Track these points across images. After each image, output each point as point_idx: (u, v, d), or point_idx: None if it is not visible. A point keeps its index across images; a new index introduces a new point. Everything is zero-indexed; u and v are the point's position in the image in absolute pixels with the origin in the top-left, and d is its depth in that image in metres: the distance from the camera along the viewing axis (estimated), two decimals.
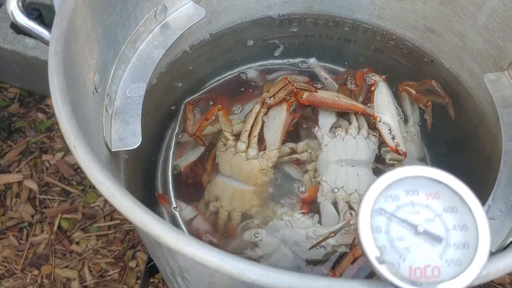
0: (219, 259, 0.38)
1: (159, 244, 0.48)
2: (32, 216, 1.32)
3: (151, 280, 1.21)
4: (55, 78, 0.46)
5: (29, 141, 1.43)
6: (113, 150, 0.61)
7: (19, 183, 1.37)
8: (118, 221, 1.33)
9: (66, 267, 1.26)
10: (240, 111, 0.82)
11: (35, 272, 1.25)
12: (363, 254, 0.62)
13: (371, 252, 0.36)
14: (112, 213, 1.33)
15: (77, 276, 1.25)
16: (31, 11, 1.33)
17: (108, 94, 0.63)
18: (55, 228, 1.30)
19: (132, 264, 1.27)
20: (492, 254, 0.39)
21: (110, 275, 1.26)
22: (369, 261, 0.36)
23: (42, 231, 1.30)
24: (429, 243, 0.38)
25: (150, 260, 1.01)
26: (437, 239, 0.38)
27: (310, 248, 0.66)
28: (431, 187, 0.39)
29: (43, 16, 1.34)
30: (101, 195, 1.35)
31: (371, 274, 0.51)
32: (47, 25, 0.56)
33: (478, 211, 0.38)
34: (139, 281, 1.24)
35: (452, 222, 0.39)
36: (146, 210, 0.41)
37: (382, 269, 0.36)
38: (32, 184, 1.36)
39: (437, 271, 0.37)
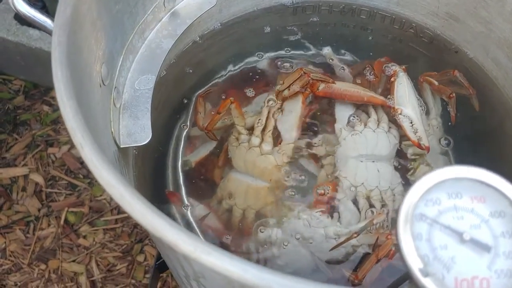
0: (241, 269, 0.34)
1: (172, 249, 0.45)
2: (39, 210, 1.30)
3: (161, 274, 1.19)
4: (59, 71, 0.43)
5: (35, 134, 1.41)
6: (121, 146, 0.58)
7: (25, 176, 1.35)
8: (125, 215, 1.31)
9: (74, 261, 1.24)
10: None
11: (42, 266, 1.23)
12: (386, 255, 0.59)
13: (414, 263, 0.32)
14: (120, 206, 1.31)
15: (85, 270, 1.23)
16: (34, 1, 1.30)
17: (115, 87, 0.60)
18: (61, 222, 1.28)
19: (140, 258, 1.25)
20: None
21: (118, 269, 1.24)
22: (412, 273, 0.33)
23: (49, 225, 1.29)
24: (476, 252, 0.34)
25: (159, 256, 0.98)
26: (484, 247, 0.34)
27: (331, 249, 0.62)
28: (476, 189, 0.36)
29: (47, 7, 1.31)
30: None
31: (400, 279, 0.47)
32: (51, 15, 0.53)
33: None
34: (147, 275, 1.22)
35: (500, 228, 0.35)
36: (159, 214, 0.38)
37: (427, 283, 0.32)
38: (38, 178, 1.34)
39: (486, 283, 0.33)
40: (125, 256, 1.25)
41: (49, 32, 0.51)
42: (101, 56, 0.56)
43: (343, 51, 0.86)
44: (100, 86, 0.55)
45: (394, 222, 0.66)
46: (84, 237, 1.27)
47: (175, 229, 0.36)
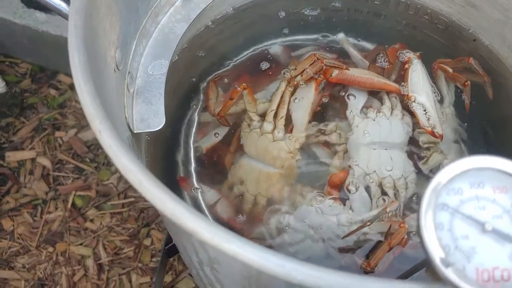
0: (262, 257, 0.34)
1: (189, 235, 0.45)
2: (46, 193, 1.31)
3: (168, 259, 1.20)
4: (76, 57, 0.42)
5: (42, 118, 1.40)
6: (135, 131, 0.58)
7: (33, 160, 1.35)
8: (132, 199, 1.31)
9: (81, 244, 1.25)
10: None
11: (50, 249, 1.24)
12: (399, 244, 0.59)
13: (436, 253, 0.32)
14: (126, 190, 1.32)
15: (92, 253, 1.24)
16: None
17: (129, 72, 0.59)
18: (69, 205, 1.29)
19: (147, 242, 1.26)
20: None
21: (125, 253, 1.25)
22: (433, 263, 0.33)
23: (56, 208, 1.29)
24: (498, 243, 0.34)
25: (168, 241, 0.99)
26: (506, 238, 0.34)
27: (344, 237, 0.62)
28: (498, 179, 0.35)
29: None
30: (115, 173, 1.33)
31: (411, 270, 0.47)
32: None
33: None
34: (153, 259, 1.23)
35: None
36: (179, 201, 0.38)
37: (448, 273, 0.32)
38: (45, 161, 1.34)
39: (507, 274, 0.33)
40: (132, 240, 1.26)
41: (63, 15, 0.51)
42: (116, 41, 0.55)
43: (356, 37, 0.85)
44: (115, 71, 0.55)
45: (407, 210, 0.66)
46: (91, 220, 1.28)
47: (195, 216, 0.36)
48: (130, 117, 0.58)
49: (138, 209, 1.30)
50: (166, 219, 0.52)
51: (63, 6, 0.52)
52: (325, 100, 0.75)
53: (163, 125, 0.58)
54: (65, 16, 0.48)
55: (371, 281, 0.33)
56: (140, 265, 1.23)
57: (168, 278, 1.21)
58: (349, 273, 0.33)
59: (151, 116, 0.59)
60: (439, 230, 0.34)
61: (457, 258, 0.34)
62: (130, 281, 1.22)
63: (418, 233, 0.33)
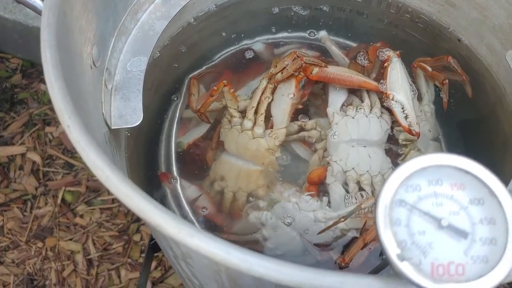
0: (225, 251, 0.35)
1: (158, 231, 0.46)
2: (36, 189, 1.31)
3: (155, 254, 1.20)
4: (48, 53, 0.43)
5: (32, 113, 1.41)
6: (113, 127, 0.58)
7: (23, 155, 1.35)
8: None
9: (70, 239, 1.25)
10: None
11: (40, 244, 1.24)
12: (373, 240, 0.60)
13: (391, 248, 0.33)
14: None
15: (81, 249, 1.24)
16: None
17: (107, 68, 0.60)
18: (59, 201, 1.29)
19: (136, 238, 1.26)
20: None
21: (114, 248, 1.25)
22: (388, 257, 0.34)
23: (46, 203, 1.30)
24: (453, 238, 0.35)
25: (153, 237, 0.99)
26: (462, 234, 0.35)
27: (319, 233, 0.63)
28: (456, 177, 0.36)
29: None
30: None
31: (383, 265, 0.48)
32: None
33: (508, 204, 0.34)
34: (143, 255, 1.24)
35: (478, 215, 0.36)
36: (145, 196, 0.38)
37: (403, 267, 0.33)
38: (35, 157, 1.35)
39: (462, 269, 0.34)
40: (122, 236, 1.27)
41: (39, 12, 0.51)
42: (92, 38, 0.56)
43: (338, 36, 0.86)
44: (91, 67, 0.55)
45: None
46: (81, 216, 1.28)
47: (160, 211, 0.37)
48: (107, 113, 0.58)
49: None
50: (137, 214, 0.52)
51: (38, 2, 0.52)
52: (305, 97, 0.76)
53: (140, 121, 0.59)
54: (39, 13, 0.49)
55: (329, 275, 0.34)
56: (129, 260, 1.24)
57: (157, 274, 1.21)
58: (307, 267, 0.34)
59: (129, 112, 0.59)
60: (396, 226, 0.35)
61: (414, 253, 0.34)
62: (119, 277, 1.22)
63: (376, 228, 0.34)
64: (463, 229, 0.35)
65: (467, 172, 0.36)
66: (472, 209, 0.36)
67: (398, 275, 0.34)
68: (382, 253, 0.63)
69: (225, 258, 0.35)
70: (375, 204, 0.35)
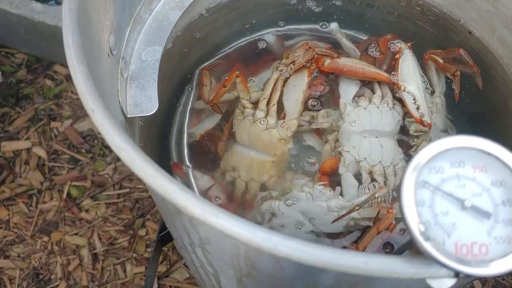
0: (249, 231, 0.35)
1: (180, 214, 0.46)
2: (41, 183, 1.31)
3: (162, 247, 1.20)
4: (70, 38, 0.43)
5: (38, 108, 1.41)
6: (128, 116, 0.59)
7: (28, 150, 1.35)
8: (127, 190, 1.32)
9: (76, 234, 1.25)
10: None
11: (45, 238, 1.25)
12: (387, 229, 0.60)
13: (415, 227, 0.33)
14: (122, 181, 1.32)
15: (87, 243, 1.24)
16: None
17: (123, 57, 0.60)
18: (64, 195, 1.29)
19: (142, 232, 1.27)
20: None
21: (119, 243, 1.25)
22: (413, 237, 0.34)
23: (52, 198, 1.30)
24: (476, 219, 0.35)
25: (162, 229, 0.99)
26: (485, 214, 0.35)
27: (333, 221, 0.63)
28: (479, 159, 0.36)
29: None
30: (110, 163, 1.34)
31: (399, 251, 0.49)
32: None
33: None
34: (148, 249, 1.24)
35: (501, 197, 0.36)
36: (169, 178, 0.39)
37: (427, 246, 0.33)
38: (41, 151, 1.35)
39: (485, 249, 0.34)
40: (127, 230, 1.27)
41: (59, 1, 0.51)
42: (110, 26, 0.56)
43: (349, 28, 0.86)
44: (109, 55, 0.56)
45: (395, 196, 0.67)
46: (87, 211, 1.29)
47: (185, 192, 0.37)
48: (123, 102, 0.59)
49: (133, 199, 1.31)
50: (159, 199, 0.53)
51: None
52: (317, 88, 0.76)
53: (156, 110, 0.59)
54: (60, 1, 0.49)
55: (353, 255, 0.34)
56: (134, 255, 1.24)
57: (162, 268, 1.21)
58: (332, 247, 0.35)
59: (145, 101, 0.60)
60: (420, 207, 0.35)
61: (437, 233, 0.35)
62: (124, 271, 1.23)
63: (400, 209, 0.34)
64: (486, 210, 0.36)
65: (489, 154, 0.36)
66: (494, 191, 0.36)
67: (420, 254, 0.34)
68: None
69: (250, 238, 0.35)
70: (398, 186, 0.35)
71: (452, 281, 0.35)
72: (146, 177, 0.38)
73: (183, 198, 0.37)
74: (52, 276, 1.21)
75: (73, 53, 0.43)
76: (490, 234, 0.35)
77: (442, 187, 0.36)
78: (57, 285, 1.19)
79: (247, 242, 0.35)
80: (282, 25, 0.86)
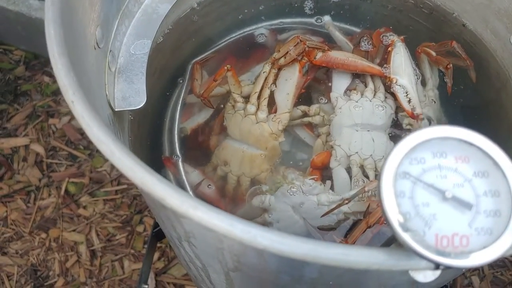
0: (228, 223, 0.35)
1: (164, 207, 0.46)
2: (39, 180, 1.31)
3: (158, 245, 1.20)
4: (52, 29, 0.43)
5: (36, 105, 1.41)
6: (116, 109, 0.58)
7: (26, 146, 1.36)
8: (125, 186, 1.32)
9: (74, 230, 1.25)
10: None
11: (43, 235, 1.25)
12: (377, 222, 0.60)
13: (394, 218, 0.33)
14: (119, 177, 1.32)
15: (85, 240, 1.24)
16: None
17: (111, 51, 0.60)
18: (62, 192, 1.29)
19: (140, 228, 1.27)
20: None
21: (117, 239, 1.25)
22: (392, 228, 0.33)
23: (50, 195, 1.30)
24: (458, 210, 0.35)
25: (156, 224, 0.99)
26: (466, 205, 0.35)
27: (323, 215, 0.63)
28: (461, 149, 0.36)
29: None
30: (108, 160, 1.34)
31: (387, 243, 0.48)
32: None
33: None
34: (146, 246, 1.24)
35: (483, 187, 0.36)
36: (148, 170, 0.38)
37: (406, 237, 0.33)
38: (39, 148, 1.35)
39: (466, 240, 0.34)
40: (125, 227, 1.27)
41: None
42: (96, 19, 0.56)
43: (342, 21, 0.86)
44: (95, 48, 0.55)
45: None
46: (84, 207, 1.29)
47: (163, 184, 0.37)
48: (111, 95, 0.58)
49: (131, 196, 1.31)
50: (142, 191, 0.52)
51: None
52: (309, 82, 0.76)
53: (144, 103, 0.59)
54: None
55: (333, 246, 0.34)
56: (132, 251, 1.24)
57: (160, 265, 1.21)
58: (311, 239, 0.34)
59: (133, 95, 0.59)
60: (400, 198, 0.34)
61: (418, 225, 0.34)
62: (122, 267, 1.23)
63: (379, 200, 0.34)
64: (467, 201, 0.35)
65: (471, 145, 0.36)
66: (476, 182, 0.36)
67: (402, 246, 0.34)
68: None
69: (229, 230, 0.35)
70: (378, 177, 0.35)
71: (436, 273, 0.35)
72: (125, 170, 0.38)
73: (162, 190, 0.37)
74: (50, 273, 1.21)
75: (55, 45, 0.42)
76: (471, 225, 0.35)
77: (423, 178, 0.36)
78: (55, 282, 1.19)
79: (226, 234, 0.35)
80: (275, 18, 0.85)
